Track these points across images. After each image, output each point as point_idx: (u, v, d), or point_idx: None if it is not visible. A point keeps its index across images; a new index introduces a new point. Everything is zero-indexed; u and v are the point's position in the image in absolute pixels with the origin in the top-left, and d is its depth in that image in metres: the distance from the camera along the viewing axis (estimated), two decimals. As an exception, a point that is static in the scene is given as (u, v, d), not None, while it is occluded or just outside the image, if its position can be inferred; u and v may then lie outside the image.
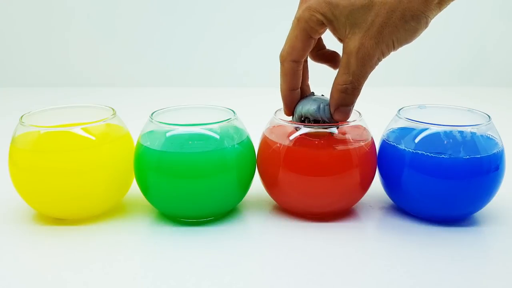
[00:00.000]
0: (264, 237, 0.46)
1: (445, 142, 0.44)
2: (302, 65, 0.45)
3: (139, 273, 0.40)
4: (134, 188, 0.49)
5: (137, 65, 1.19)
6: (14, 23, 1.16)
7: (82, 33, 1.17)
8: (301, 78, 0.46)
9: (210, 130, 0.45)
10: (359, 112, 0.49)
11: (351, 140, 0.46)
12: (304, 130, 0.46)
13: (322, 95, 0.47)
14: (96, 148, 0.46)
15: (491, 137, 0.46)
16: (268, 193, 0.50)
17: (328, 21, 0.42)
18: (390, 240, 0.45)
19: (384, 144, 0.49)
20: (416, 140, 0.45)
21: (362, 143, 0.46)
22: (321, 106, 0.45)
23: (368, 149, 0.47)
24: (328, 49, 0.49)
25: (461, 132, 0.45)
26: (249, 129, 0.50)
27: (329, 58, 0.48)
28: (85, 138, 0.46)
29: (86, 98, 1.05)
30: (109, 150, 0.47)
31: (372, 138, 0.48)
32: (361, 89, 0.43)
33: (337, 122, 0.46)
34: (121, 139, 0.49)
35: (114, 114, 0.49)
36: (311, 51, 0.47)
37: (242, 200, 0.51)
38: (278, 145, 0.46)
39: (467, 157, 0.44)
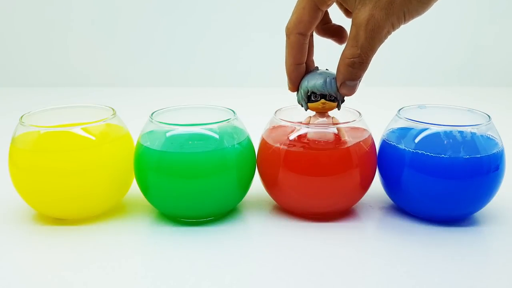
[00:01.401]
0: (264, 237, 0.46)
1: (445, 142, 0.44)
2: (308, 39, 0.44)
3: (139, 273, 0.40)
4: (134, 188, 0.49)
5: (137, 65, 1.19)
6: (14, 23, 1.16)
7: (82, 33, 1.17)
8: (307, 52, 0.45)
9: (210, 130, 0.45)
10: (359, 112, 0.49)
11: (351, 140, 0.46)
12: (305, 129, 0.46)
13: (327, 69, 0.46)
14: (96, 148, 0.46)
15: (491, 137, 0.46)
16: (268, 193, 0.50)
17: None
18: (390, 240, 0.45)
19: (384, 144, 0.49)
20: (416, 140, 0.45)
21: (362, 143, 0.46)
22: (328, 80, 0.44)
23: (368, 149, 0.47)
24: (334, 23, 0.47)
25: (461, 132, 0.45)
26: (249, 129, 0.50)
27: (335, 32, 0.47)
28: (85, 138, 0.46)
29: (86, 98, 1.05)
30: (109, 150, 0.47)
31: (372, 138, 0.48)
32: (369, 64, 0.42)
33: (343, 97, 0.45)
34: (121, 139, 0.49)
35: (114, 114, 0.49)
36: (316, 25, 0.45)
37: (242, 200, 0.51)
38: (278, 145, 0.46)
39: (467, 157, 0.44)
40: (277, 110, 0.50)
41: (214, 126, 0.46)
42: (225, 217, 0.49)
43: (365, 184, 0.48)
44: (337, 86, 0.43)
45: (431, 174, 0.44)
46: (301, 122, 0.47)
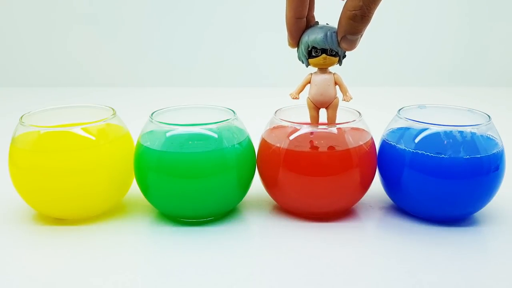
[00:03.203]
0: (264, 237, 0.46)
1: (445, 142, 0.44)
2: None
3: (139, 273, 0.40)
4: (134, 188, 0.49)
5: (137, 65, 1.19)
6: (14, 23, 1.16)
7: (82, 33, 1.17)
8: (307, 5, 0.43)
9: (210, 130, 0.45)
10: (359, 112, 0.49)
11: (351, 140, 0.46)
12: (305, 129, 0.46)
13: (327, 23, 0.45)
14: (96, 148, 0.46)
15: (491, 137, 0.46)
16: (268, 193, 0.50)
17: None
18: (390, 240, 0.45)
19: (384, 144, 0.49)
20: (416, 140, 0.45)
21: (362, 143, 0.46)
22: (328, 34, 0.43)
23: (368, 149, 0.47)
24: None
25: (461, 132, 0.45)
26: (249, 129, 0.50)
27: None
28: (85, 138, 0.46)
29: (86, 98, 1.05)
30: (109, 150, 0.47)
31: (372, 138, 0.48)
32: (371, 17, 0.41)
33: (344, 52, 0.44)
34: (121, 139, 0.49)
35: (114, 114, 0.49)
36: None
37: (242, 200, 0.51)
38: (278, 145, 0.46)
39: (467, 157, 0.44)
40: (277, 110, 0.50)
41: (214, 126, 0.46)
42: (225, 217, 0.49)
43: (365, 184, 0.48)
44: (338, 41, 0.43)
45: (431, 174, 0.44)
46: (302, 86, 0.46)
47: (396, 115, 0.49)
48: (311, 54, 0.44)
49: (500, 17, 1.17)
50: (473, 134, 0.45)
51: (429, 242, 0.44)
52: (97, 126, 0.47)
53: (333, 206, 0.47)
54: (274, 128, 0.49)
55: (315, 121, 0.46)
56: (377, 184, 0.50)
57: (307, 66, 0.45)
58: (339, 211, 0.49)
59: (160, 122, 0.46)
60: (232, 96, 1.07)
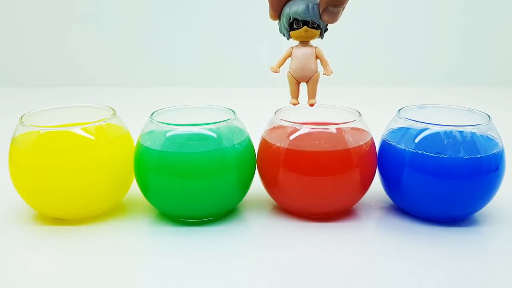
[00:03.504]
0: (264, 237, 0.46)
1: (445, 142, 0.44)
2: None
3: (139, 273, 0.40)
4: (134, 188, 0.49)
5: (137, 65, 1.19)
6: (14, 23, 1.16)
7: (82, 33, 1.17)
8: None
9: (210, 130, 0.45)
10: (359, 112, 0.49)
11: (351, 140, 0.46)
12: (305, 129, 0.46)
13: None
14: (96, 148, 0.46)
15: (491, 137, 0.46)
16: (268, 193, 0.50)
17: None
18: (390, 240, 0.45)
19: (384, 144, 0.49)
20: (416, 140, 0.45)
21: (362, 143, 0.46)
22: (310, 5, 0.42)
23: (368, 149, 0.47)
24: None
25: (461, 132, 0.45)
26: (249, 129, 0.50)
27: None
28: (85, 138, 0.46)
29: (86, 98, 1.05)
30: (109, 150, 0.47)
31: (372, 138, 0.48)
32: None
33: (326, 25, 0.44)
34: (121, 139, 0.49)
35: (114, 114, 0.49)
36: None
37: (242, 200, 0.51)
38: (278, 145, 0.46)
39: (467, 157, 0.44)
40: (277, 110, 0.50)
41: (214, 126, 0.46)
42: (225, 217, 0.49)
43: (365, 184, 0.48)
44: (319, 13, 0.42)
45: (431, 174, 0.44)
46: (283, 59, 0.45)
47: (396, 115, 0.49)
48: (292, 26, 0.43)
49: (500, 17, 1.17)
50: (473, 134, 0.45)
51: (429, 242, 0.44)
52: (97, 126, 0.47)
53: (333, 206, 0.47)
54: (274, 128, 0.49)
55: (295, 95, 0.45)
56: (377, 184, 0.50)
57: (288, 39, 0.44)
58: (339, 211, 0.49)
59: (160, 122, 0.46)
60: (232, 96, 1.07)
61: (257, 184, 0.50)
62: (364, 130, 0.48)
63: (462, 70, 1.19)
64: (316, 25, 0.43)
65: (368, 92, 1.10)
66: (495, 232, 0.46)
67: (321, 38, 0.44)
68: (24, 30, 1.17)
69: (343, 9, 0.42)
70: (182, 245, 0.44)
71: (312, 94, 0.45)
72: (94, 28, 1.17)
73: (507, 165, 0.47)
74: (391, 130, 0.49)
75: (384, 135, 0.49)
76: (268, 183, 0.49)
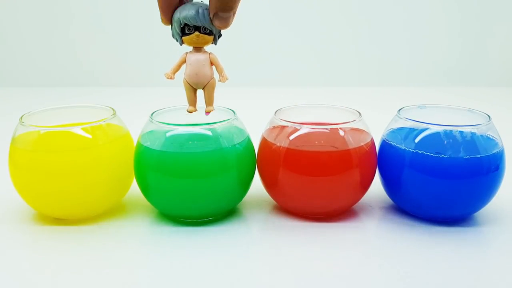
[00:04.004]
0: (264, 237, 0.46)
1: (445, 142, 0.44)
2: None
3: (139, 273, 0.40)
4: (134, 188, 0.49)
5: (137, 65, 1.19)
6: (14, 23, 1.16)
7: (82, 33, 1.17)
8: None
9: (210, 130, 0.45)
10: (359, 112, 0.49)
11: (351, 140, 0.46)
12: (305, 129, 0.46)
13: (202, 0, 0.43)
14: (96, 148, 0.46)
15: (491, 137, 0.46)
16: (268, 193, 0.50)
17: None
18: (390, 240, 0.45)
19: (384, 144, 0.49)
20: (416, 140, 0.45)
21: (362, 143, 0.46)
22: (200, 10, 0.41)
23: (368, 149, 0.47)
24: None
25: (461, 132, 0.45)
26: (249, 129, 0.50)
27: None
28: (85, 138, 0.46)
29: (86, 98, 1.05)
30: (109, 150, 0.47)
31: (372, 138, 0.48)
32: None
33: (219, 31, 0.43)
34: (121, 139, 0.49)
35: (114, 114, 0.49)
36: None
37: (242, 200, 0.51)
38: (278, 145, 0.46)
39: (467, 157, 0.44)
40: (277, 110, 0.50)
41: (214, 126, 0.46)
42: (225, 217, 0.49)
43: (365, 184, 0.48)
44: (210, 18, 0.41)
45: (431, 174, 0.44)
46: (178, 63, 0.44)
47: (396, 115, 0.49)
48: (184, 31, 0.42)
49: (500, 17, 1.17)
50: (473, 134, 0.45)
51: (429, 242, 0.44)
52: (97, 126, 0.47)
53: (333, 206, 0.47)
54: (274, 128, 0.49)
55: (192, 103, 0.45)
56: (377, 184, 0.50)
57: (181, 45, 0.44)
58: (339, 211, 0.49)
59: (160, 122, 0.46)
60: (232, 96, 1.07)
61: (257, 184, 0.50)
62: (364, 130, 0.48)
63: (462, 70, 1.19)
64: (208, 31, 0.42)
65: (368, 92, 1.10)
66: (495, 232, 0.46)
67: (215, 44, 0.43)
68: (24, 30, 1.17)
69: (234, 14, 0.41)
70: (182, 245, 0.44)
71: (209, 101, 0.44)
72: (94, 28, 1.17)
73: (507, 165, 0.47)
74: (391, 130, 0.49)
75: (384, 135, 0.49)
76: (268, 183, 0.49)
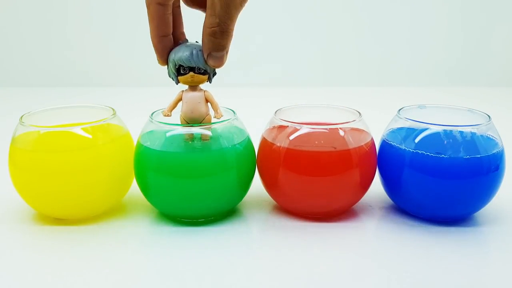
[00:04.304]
0: (264, 237, 0.46)
1: (445, 142, 0.44)
2: (170, 9, 0.43)
3: (139, 273, 0.40)
4: (134, 188, 0.49)
5: (137, 65, 1.19)
6: (14, 23, 1.16)
7: (82, 33, 1.17)
8: (171, 23, 0.43)
9: (210, 130, 0.45)
10: (359, 112, 0.49)
11: (351, 140, 0.46)
12: (305, 129, 0.46)
13: (196, 41, 0.45)
14: (96, 148, 0.46)
15: (491, 137, 0.46)
16: (268, 193, 0.50)
17: None
18: (390, 240, 0.45)
19: (384, 144, 0.49)
20: (416, 140, 0.45)
21: (362, 143, 0.46)
22: (194, 52, 0.43)
23: (368, 149, 0.47)
24: None
25: (461, 132, 0.45)
26: (249, 129, 0.50)
27: (203, 3, 0.44)
28: (85, 138, 0.46)
29: (86, 98, 1.05)
30: (109, 150, 0.47)
31: (372, 138, 0.48)
32: (231, 32, 0.41)
33: (214, 70, 0.44)
34: (121, 139, 0.49)
35: (114, 114, 0.49)
36: None
37: (242, 200, 0.51)
38: (278, 145, 0.46)
39: (467, 157, 0.44)
40: (277, 110, 0.50)
41: (214, 126, 0.46)
42: (225, 217, 0.49)
43: (365, 184, 0.48)
44: (204, 59, 0.43)
45: (431, 174, 0.44)
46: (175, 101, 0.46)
47: (396, 115, 0.49)
48: (179, 71, 0.44)
49: (500, 17, 1.17)
50: (473, 134, 0.45)
51: (429, 242, 0.44)
52: (97, 126, 0.47)
53: (333, 206, 0.47)
54: (274, 128, 0.49)
55: (189, 137, 0.46)
56: (377, 184, 0.50)
57: (177, 84, 0.45)
58: (339, 211, 0.49)
59: (160, 122, 0.46)
60: (232, 96, 1.07)
61: (257, 184, 0.50)
62: (364, 130, 0.48)
63: (462, 70, 1.19)
64: (202, 71, 0.44)
65: (368, 92, 1.10)
66: (495, 232, 0.46)
67: (209, 83, 0.45)
68: (24, 30, 1.17)
69: (226, 52, 0.43)
70: (182, 245, 0.44)
71: (204, 137, 0.46)
72: (94, 28, 1.17)
73: (507, 165, 0.47)
74: (391, 130, 0.49)
75: (384, 135, 0.49)
76: (268, 183, 0.49)
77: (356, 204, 0.50)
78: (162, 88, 1.14)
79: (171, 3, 0.42)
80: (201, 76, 0.44)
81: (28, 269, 0.41)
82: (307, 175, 0.45)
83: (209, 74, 0.45)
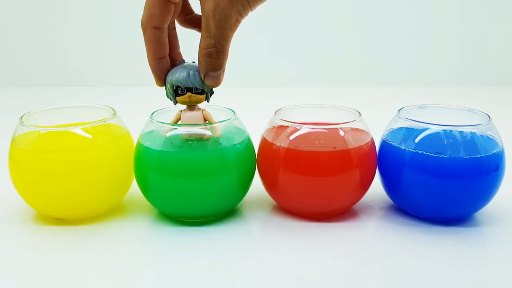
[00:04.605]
0: (264, 237, 0.46)
1: (445, 142, 0.44)
2: (166, 32, 0.44)
3: (139, 273, 0.40)
4: (134, 188, 0.49)
5: (137, 65, 1.19)
6: (14, 23, 1.16)
7: (82, 33, 1.17)
8: (167, 45, 0.44)
9: (210, 130, 0.45)
10: (359, 112, 0.49)
11: (351, 140, 0.46)
12: (305, 129, 0.46)
13: (193, 62, 0.45)
14: (96, 148, 0.46)
15: (491, 137, 0.46)
16: (268, 193, 0.50)
17: None
18: (390, 240, 0.45)
19: (384, 144, 0.49)
20: (416, 140, 0.45)
21: (362, 143, 0.46)
22: (191, 72, 0.43)
23: (368, 149, 0.47)
24: (197, 14, 0.47)
25: (461, 132, 0.45)
26: (249, 129, 0.50)
27: (198, 23, 0.45)
28: (85, 138, 0.46)
29: (86, 98, 1.05)
30: (109, 150, 0.47)
31: (372, 138, 0.48)
32: (226, 52, 0.42)
33: (211, 89, 0.45)
34: (121, 139, 0.49)
35: (114, 114, 0.49)
36: (178, 16, 0.46)
37: (242, 200, 0.51)
38: (278, 145, 0.46)
39: (467, 157, 0.44)
40: (277, 110, 0.50)
41: (214, 126, 0.46)
42: (225, 217, 0.49)
43: (365, 184, 0.48)
44: (201, 78, 0.43)
45: (431, 174, 0.44)
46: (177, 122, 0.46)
47: (396, 115, 0.49)
48: (177, 92, 0.44)
49: (500, 17, 1.17)
50: (473, 134, 0.45)
51: (429, 242, 0.44)
52: (97, 126, 0.47)
53: (333, 206, 0.47)
54: (274, 128, 0.49)
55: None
56: (377, 184, 0.50)
57: (175, 104, 0.46)
58: (339, 211, 0.49)
59: (160, 122, 0.46)
60: (232, 96, 1.07)
61: (257, 184, 0.50)
62: (364, 130, 0.48)
63: (462, 70, 1.19)
64: (200, 90, 0.44)
65: (368, 92, 1.10)
66: (495, 232, 0.46)
67: (207, 102, 0.46)
68: (24, 30, 1.17)
69: (223, 71, 0.43)
70: (182, 245, 0.44)
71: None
72: (94, 28, 1.17)
73: (507, 165, 0.47)
74: (391, 130, 0.49)
75: (384, 135, 0.49)
76: (268, 183, 0.49)
77: (356, 204, 0.50)
78: (162, 88, 1.15)
79: (166, 26, 0.43)
80: (198, 96, 0.44)
81: (28, 269, 0.41)
82: (307, 175, 0.45)
83: (207, 94, 0.45)
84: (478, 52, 1.19)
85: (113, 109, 0.50)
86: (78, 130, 0.46)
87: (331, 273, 0.40)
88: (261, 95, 1.06)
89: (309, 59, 1.19)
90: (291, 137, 0.46)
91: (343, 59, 1.19)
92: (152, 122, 0.46)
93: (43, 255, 0.43)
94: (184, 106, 0.46)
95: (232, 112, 0.49)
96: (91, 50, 1.18)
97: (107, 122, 0.47)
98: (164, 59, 0.44)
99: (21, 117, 0.47)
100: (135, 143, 0.48)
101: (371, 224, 0.48)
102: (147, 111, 0.48)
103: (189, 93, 0.44)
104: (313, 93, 1.10)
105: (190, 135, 0.45)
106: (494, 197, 0.47)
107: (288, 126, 0.47)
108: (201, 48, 0.42)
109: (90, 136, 0.46)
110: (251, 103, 0.94)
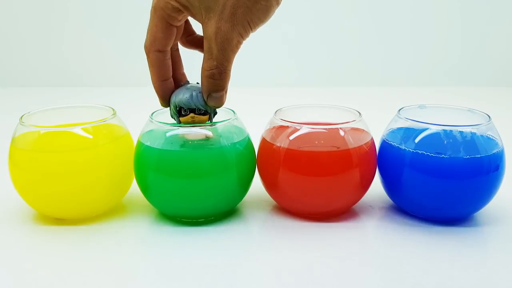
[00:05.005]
0: (264, 237, 0.46)
1: (445, 142, 0.44)
2: (169, 54, 0.44)
3: (139, 273, 0.40)
4: (134, 188, 0.49)
5: (137, 65, 1.19)
6: (14, 23, 1.16)
7: (82, 33, 1.17)
8: (170, 67, 0.45)
9: (210, 130, 0.45)
10: (359, 112, 0.49)
11: (351, 140, 0.46)
12: (305, 129, 0.46)
13: (197, 82, 0.46)
14: (96, 148, 0.46)
15: (491, 137, 0.46)
16: (268, 193, 0.50)
17: (184, 7, 0.41)
18: (390, 240, 0.45)
19: (384, 144, 0.49)
20: (416, 140, 0.45)
21: (362, 143, 0.46)
22: (194, 94, 0.44)
23: (368, 149, 0.47)
24: (198, 35, 0.47)
25: (461, 132, 0.45)
26: (249, 129, 0.50)
27: (200, 43, 0.47)
28: (85, 138, 0.46)
29: (86, 98, 1.05)
30: (109, 150, 0.47)
31: (372, 138, 0.48)
32: (229, 73, 0.43)
33: (215, 109, 0.45)
34: (121, 139, 0.49)
35: (114, 114, 0.49)
36: (181, 38, 0.46)
37: (242, 200, 0.51)
38: (278, 145, 0.46)
39: (467, 157, 0.44)
40: (277, 110, 0.50)
41: (214, 126, 0.46)
42: (225, 217, 0.49)
43: (365, 184, 0.48)
44: (204, 99, 0.44)
45: (431, 174, 0.44)
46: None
47: (396, 115, 0.49)
48: (180, 113, 0.45)
49: (500, 17, 1.17)
50: (473, 134, 0.45)
51: (429, 242, 0.44)
52: (97, 126, 0.47)
53: (333, 206, 0.47)
54: (274, 128, 0.49)
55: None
56: (377, 184, 0.50)
57: (178, 123, 0.46)
58: (339, 211, 0.49)
59: (160, 122, 0.46)
60: (232, 96, 1.07)
61: (257, 184, 0.50)
62: (364, 130, 0.48)
63: (462, 70, 1.19)
64: (203, 111, 0.45)
65: (368, 92, 1.10)
66: (495, 232, 0.46)
67: (210, 122, 0.46)
68: (24, 30, 1.17)
69: (225, 92, 0.44)
70: (182, 245, 0.44)
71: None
72: (94, 28, 1.17)
73: (507, 165, 0.47)
74: (391, 130, 0.49)
75: (384, 135, 0.49)
76: (268, 183, 0.49)
77: (356, 204, 0.50)
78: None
79: (169, 48, 0.44)
80: (201, 116, 0.45)
81: (28, 269, 0.41)
82: (307, 175, 0.45)
83: (210, 114, 0.45)
84: (478, 52, 1.19)
85: (113, 109, 0.50)
86: (78, 130, 0.46)
87: (331, 273, 0.40)
88: (261, 95, 1.06)
89: (309, 59, 1.19)
90: (291, 137, 0.46)
91: (343, 59, 1.19)
92: (152, 122, 0.46)
93: (43, 255, 0.43)
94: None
95: (232, 112, 0.49)
96: (91, 50, 1.18)
97: (107, 122, 0.47)
98: (168, 80, 0.45)
99: (21, 117, 0.47)
100: (135, 143, 0.48)
101: (371, 224, 0.48)
102: (147, 111, 0.48)
103: (192, 114, 0.45)
104: (313, 93, 1.10)
105: (191, 135, 0.46)
106: (494, 197, 0.47)
107: (288, 126, 0.47)
108: (203, 70, 0.42)
109: (90, 136, 0.46)
110: (251, 103, 0.94)
